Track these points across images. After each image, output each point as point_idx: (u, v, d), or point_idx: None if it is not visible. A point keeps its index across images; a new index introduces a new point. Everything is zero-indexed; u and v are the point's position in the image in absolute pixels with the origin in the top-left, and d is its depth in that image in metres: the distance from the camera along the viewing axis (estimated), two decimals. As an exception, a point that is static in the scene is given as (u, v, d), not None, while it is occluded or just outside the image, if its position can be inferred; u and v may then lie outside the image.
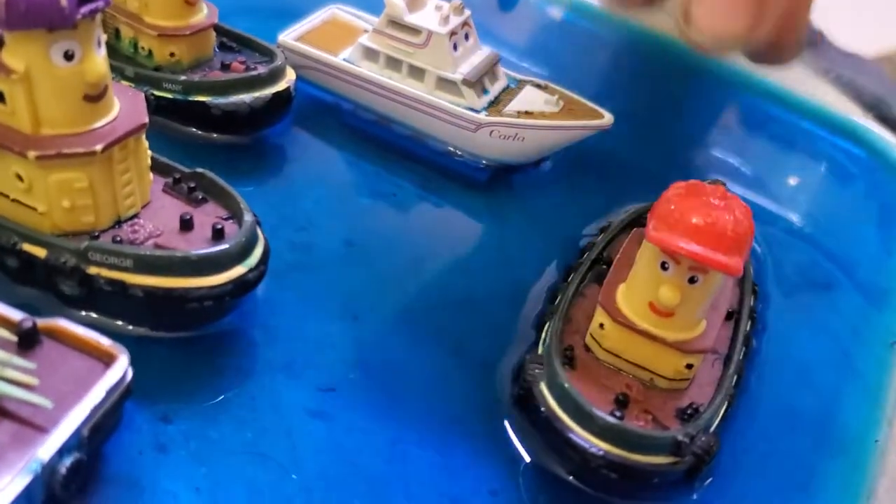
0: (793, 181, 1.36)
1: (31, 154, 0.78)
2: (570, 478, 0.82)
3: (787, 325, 1.07)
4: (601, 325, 0.86)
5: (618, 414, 0.79)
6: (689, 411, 0.82)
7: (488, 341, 0.95)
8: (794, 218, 1.26)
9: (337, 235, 1.05)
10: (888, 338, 1.08)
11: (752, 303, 1.00)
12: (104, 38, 0.80)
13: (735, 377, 0.89)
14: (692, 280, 0.78)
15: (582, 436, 0.78)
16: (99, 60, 0.78)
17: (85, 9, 0.74)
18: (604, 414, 0.78)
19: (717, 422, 0.84)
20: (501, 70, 1.20)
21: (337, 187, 1.13)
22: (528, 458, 0.84)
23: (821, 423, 0.96)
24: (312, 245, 1.02)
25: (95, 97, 0.80)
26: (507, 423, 0.87)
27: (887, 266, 1.21)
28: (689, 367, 0.83)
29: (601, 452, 0.77)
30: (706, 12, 0.70)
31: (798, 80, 1.52)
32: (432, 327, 0.97)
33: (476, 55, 1.17)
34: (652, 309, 0.81)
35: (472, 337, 0.96)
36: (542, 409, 0.80)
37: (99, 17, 0.78)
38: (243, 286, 0.84)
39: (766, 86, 1.51)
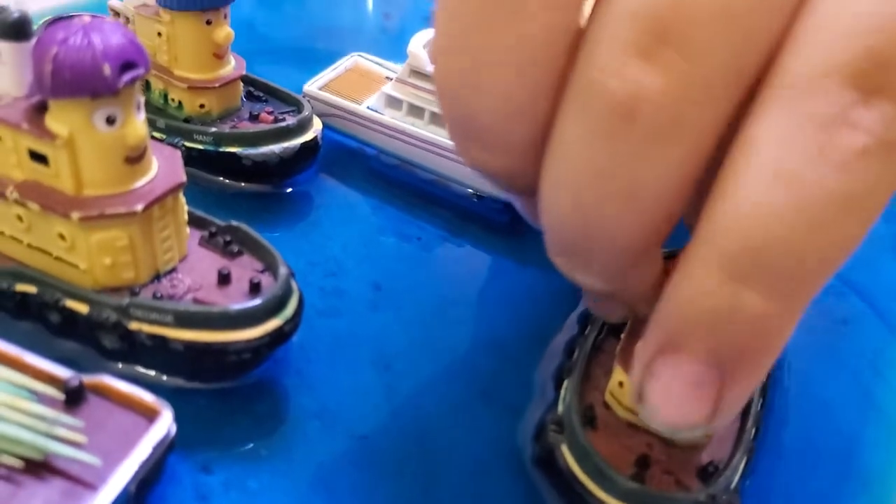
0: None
1: (75, 215, 0.81)
2: None
3: (806, 363, 1.08)
4: (620, 384, 0.86)
5: (639, 476, 0.80)
6: (710, 469, 0.83)
7: (515, 385, 0.97)
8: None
9: (365, 280, 1.07)
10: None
11: None
12: (143, 101, 0.83)
13: (754, 430, 0.90)
14: None
15: (604, 499, 0.79)
16: (139, 124, 0.81)
17: (127, 76, 0.77)
18: (625, 478, 0.79)
19: (737, 478, 0.84)
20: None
21: (363, 232, 1.16)
22: None
23: (842, 461, 0.97)
24: (342, 290, 1.05)
25: (135, 159, 0.83)
26: (529, 484, 0.87)
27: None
28: None
29: None
30: (660, 397, 0.59)
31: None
32: (460, 371, 0.98)
33: (495, 101, 1.19)
34: None
35: (500, 380, 0.98)
36: (564, 471, 0.82)
37: (139, 82, 0.81)
38: (279, 338, 0.86)
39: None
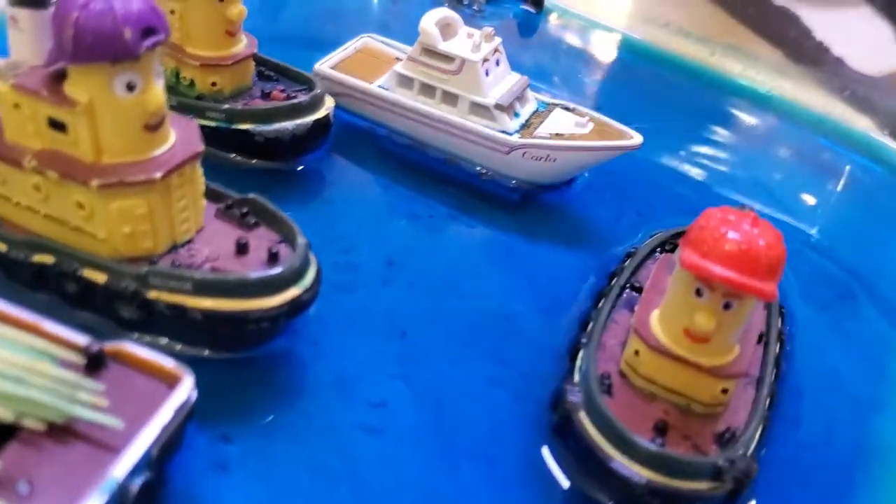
0: (813, 198, 1.39)
1: (94, 182, 0.80)
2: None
3: (817, 338, 1.09)
4: (636, 352, 0.87)
5: (659, 441, 0.81)
6: (727, 436, 0.83)
7: (527, 354, 0.98)
8: (816, 233, 1.29)
9: (378, 256, 1.07)
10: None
11: (779, 325, 1.02)
12: (161, 69, 0.83)
13: (768, 399, 0.91)
14: (727, 306, 0.80)
15: (625, 464, 0.79)
16: (159, 91, 0.81)
17: (148, 41, 0.77)
18: (646, 442, 0.79)
19: (754, 445, 0.85)
20: (531, 94, 1.23)
21: (375, 210, 1.16)
22: (566, 484, 0.85)
23: (858, 433, 0.98)
24: (356, 265, 1.05)
25: (155, 126, 0.83)
26: (546, 450, 0.88)
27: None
28: (725, 391, 0.85)
29: (644, 480, 0.78)
30: None
31: (814, 100, 1.56)
32: (474, 341, 0.99)
33: (506, 80, 1.20)
34: (687, 335, 0.83)
35: (514, 351, 0.98)
36: (583, 437, 0.82)
37: (159, 49, 0.81)
38: (298, 307, 0.86)
39: (785, 104, 1.55)
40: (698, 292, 0.80)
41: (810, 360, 1.05)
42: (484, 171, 1.22)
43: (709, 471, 0.79)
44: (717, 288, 0.79)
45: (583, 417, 0.83)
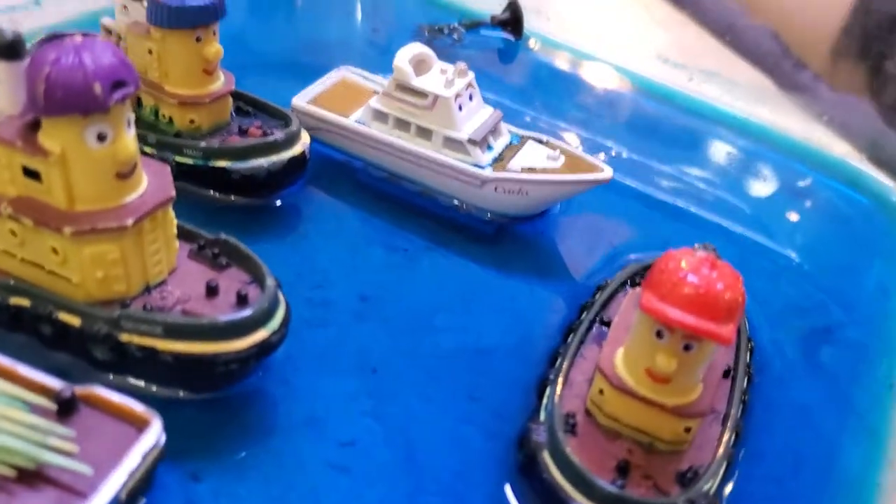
0: (790, 224, 1.41)
1: (67, 230, 0.82)
2: None
3: (787, 369, 1.10)
4: (601, 391, 0.89)
5: (619, 483, 0.82)
6: (688, 475, 0.85)
7: (500, 390, 0.99)
8: (792, 260, 1.31)
9: (352, 291, 1.09)
10: (888, 380, 1.11)
11: (747, 359, 1.04)
12: (133, 117, 0.85)
13: (733, 436, 0.92)
14: (687, 347, 0.81)
15: None
16: (129, 141, 0.83)
17: (117, 94, 0.79)
18: (605, 483, 0.81)
19: (716, 483, 0.86)
20: (504, 127, 1.25)
21: (350, 243, 1.18)
22: None
23: (823, 466, 0.99)
24: (328, 301, 1.07)
25: (126, 174, 0.85)
26: (510, 489, 0.90)
27: (885, 308, 1.25)
28: (688, 430, 0.86)
29: None
30: None
31: (793, 125, 1.57)
32: (446, 377, 1.01)
33: (480, 114, 1.22)
34: (649, 375, 0.84)
35: (485, 387, 1.00)
36: (545, 477, 0.83)
37: (129, 100, 0.83)
38: (267, 348, 0.88)
39: (762, 130, 1.56)
40: (659, 334, 0.82)
41: (780, 393, 1.06)
42: (460, 204, 1.24)
43: None
44: (677, 330, 0.81)
45: (546, 458, 0.85)
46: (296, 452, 0.90)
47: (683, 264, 0.82)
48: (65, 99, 0.77)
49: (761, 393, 1.05)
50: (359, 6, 1.79)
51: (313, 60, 1.39)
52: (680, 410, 0.85)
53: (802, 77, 1.60)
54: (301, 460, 0.89)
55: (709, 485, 0.84)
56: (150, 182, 0.89)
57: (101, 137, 0.81)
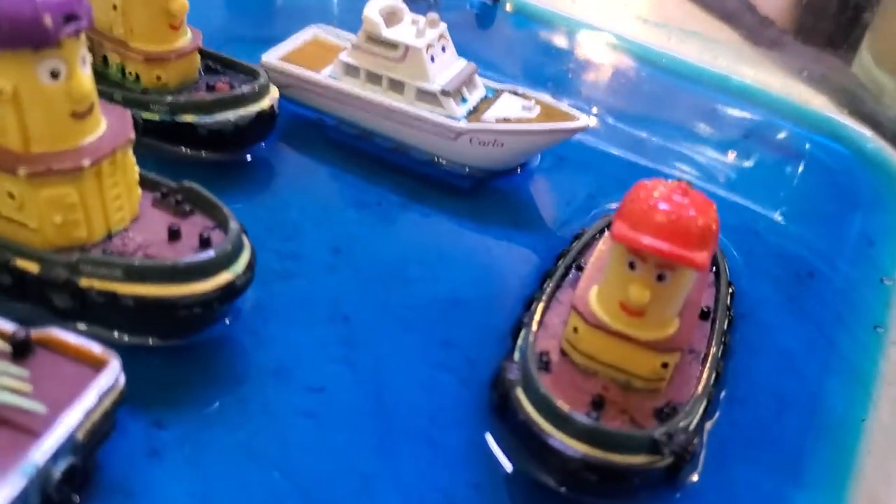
0: (772, 176, 1.39)
1: (22, 171, 0.80)
2: (553, 483, 0.83)
3: (771, 315, 1.09)
4: (575, 329, 0.87)
5: (594, 415, 0.80)
6: (666, 410, 0.83)
7: (474, 338, 0.97)
8: (776, 213, 1.29)
9: (323, 244, 1.07)
10: (872, 322, 1.10)
11: (727, 301, 1.02)
12: (89, 57, 0.83)
13: (713, 375, 0.90)
14: (660, 277, 0.79)
15: (559, 439, 0.78)
16: (85, 78, 0.81)
17: (69, 27, 0.77)
18: (581, 416, 0.78)
19: (696, 420, 0.84)
20: (479, 80, 1.23)
21: (322, 199, 1.16)
22: (509, 467, 0.85)
23: (807, 407, 0.98)
24: (299, 254, 1.05)
25: (82, 114, 0.82)
26: (489, 434, 0.88)
27: (869, 255, 1.23)
28: (665, 366, 0.84)
29: (579, 454, 0.77)
30: None
31: (772, 81, 1.56)
32: (420, 326, 0.99)
33: (453, 66, 1.20)
34: (623, 309, 0.82)
35: (459, 334, 0.98)
36: (520, 414, 0.81)
37: (83, 36, 0.81)
38: (231, 292, 0.86)
39: (742, 87, 1.55)
40: (631, 265, 0.80)
41: (763, 337, 1.05)
42: (436, 158, 1.21)
43: (646, 444, 0.78)
44: (649, 259, 0.78)
45: (520, 394, 0.83)
46: (263, 400, 0.88)
47: (655, 193, 0.80)
48: (12, 31, 0.75)
49: (745, 338, 1.03)
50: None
51: (289, 26, 1.36)
52: (655, 345, 0.83)
53: (770, 33, 1.58)
54: (268, 407, 0.87)
55: (687, 421, 0.82)
56: (110, 125, 0.87)
57: (54, 74, 0.79)
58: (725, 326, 0.98)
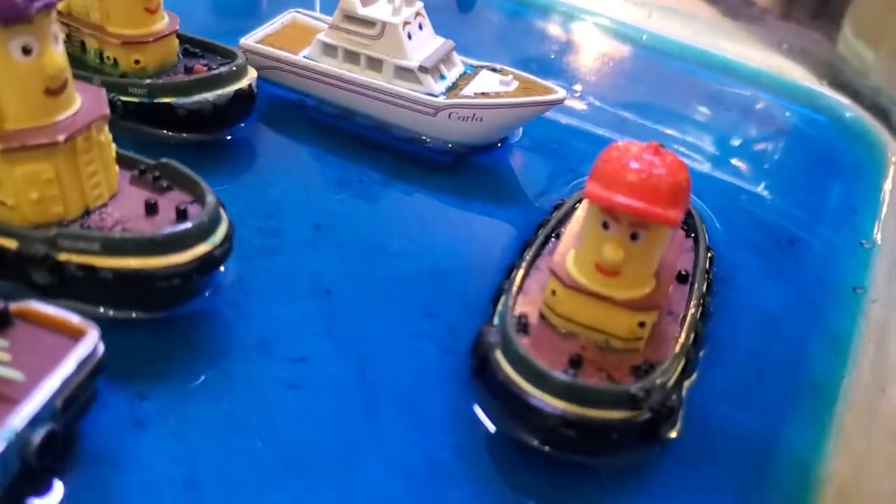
0: (755, 149, 1.39)
1: (-3, 148, 0.81)
2: (535, 443, 0.83)
3: (753, 280, 1.10)
4: (553, 292, 0.87)
5: (571, 373, 0.81)
6: (643, 368, 0.84)
7: (456, 308, 0.98)
8: (759, 183, 1.30)
9: (305, 221, 1.08)
10: (851, 284, 1.10)
11: (706, 265, 1.03)
12: (61, 35, 0.84)
13: (692, 335, 0.91)
14: (634, 236, 0.80)
15: (538, 397, 0.79)
16: (57, 54, 0.82)
17: (39, 3, 0.78)
18: (558, 373, 0.79)
19: (673, 378, 0.85)
20: (457, 57, 1.24)
21: (304, 178, 1.16)
22: (492, 428, 0.85)
23: (788, 366, 0.98)
24: (281, 230, 1.05)
25: (56, 91, 0.83)
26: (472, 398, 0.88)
27: (851, 221, 1.24)
28: (642, 325, 0.85)
29: (558, 411, 0.78)
30: None
31: (753, 54, 1.56)
32: (402, 297, 0.99)
33: (431, 44, 1.21)
34: (599, 270, 0.83)
35: (441, 304, 0.99)
36: (499, 375, 0.82)
37: (54, 13, 0.82)
38: (209, 263, 0.87)
39: (721, 60, 1.55)
40: (605, 226, 0.81)
41: (744, 300, 1.05)
42: (416, 135, 1.22)
43: (623, 400, 0.79)
44: (622, 218, 0.79)
45: (499, 356, 0.83)
46: (246, 372, 0.88)
47: (626, 153, 0.80)
48: (-18, 7, 0.76)
49: (725, 301, 1.04)
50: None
51: (268, 10, 1.37)
52: (631, 304, 0.83)
53: (752, 11, 1.59)
54: (251, 379, 0.87)
55: (664, 378, 0.82)
56: (84, 102, 0.87)
57: (26, 50, 0.80)
58: (704, 289, 0.99)
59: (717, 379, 0.94)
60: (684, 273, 0.97)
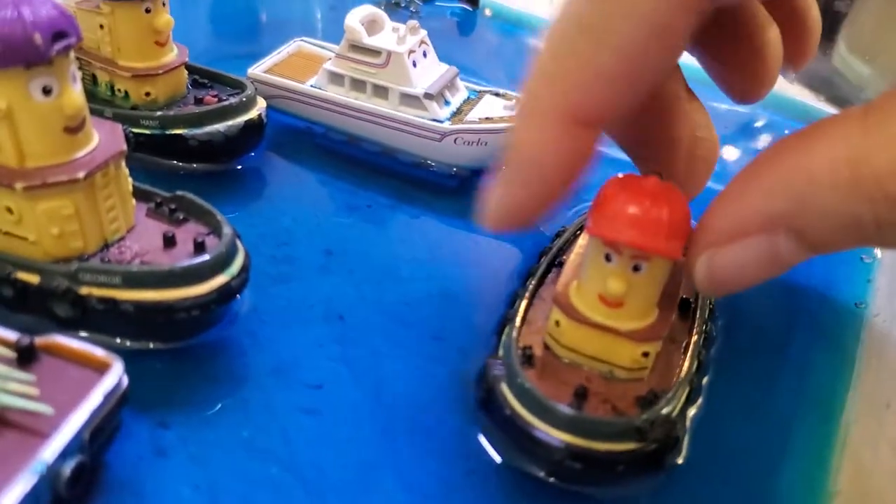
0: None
1: (19, 186, 0.83)
2: (541, 474, 0.84)
3: (754, 299, 1.11)
4: (557, 323, 0.89)
5: (576, 405, 0.82)
6: (648, 398, 0.85)
7: (465, 331, 1.00)
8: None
9: (316, 247, 1.10)
10: (854, 300, 1.12)
11: None
12: (79, 73, 0.86)
13: (696, 362, 0.92)
14: (636, 268, 0.82)
15: (543, 430, 0.80)
16: (76, 94, 0.84)
17: (59, 45, 0.80)
18: (563, 406, 0.80)
19: (678, 406, 0.86)
20: (461, 83, 1.27)
21: (313, 205, 1.19)
22: (498, 459, 0.87)
23: (793, 384, 1.00)
24: (293, 258, 1.07)
25: (75, 129, 0.85)
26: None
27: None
28: (646, 355, 0.86)
29: (564, 444, 0.79)
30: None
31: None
32: (412, 320, 1.01)
33: (435, 70, 1.23)
34: (602, 301, 0.84)
35: (450, 328, 1.01)
36: (505, 409, 0.83)
37: (72, 53, 0.84)
38: (227, 294, 0.89)
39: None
40: (608, 258, 0.82)
41: (748, 323, 1.07)
42: (422, 160, 1.24)
43: (628, 431, 0.80)
44: (624, 251, 0.81)
45: (504, 389, 0.84)
46: (264, 398, 0.90)
47: (627, 186, 0.82)
48: (5, 50, 0.78)
49: (728, 322, 1.05)
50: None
51: (271, 38, 1.40)
52: (635, 335, 0.85)
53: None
54: (269, 405, 0.89)
55: (669, 408, 0.84)
56: (102, 138, 0.90)
57: (46, 91, 0.82)
58: (707, 315, 1.01)
59: (722, 400, 0.95)
60: (686, 299, 0.99)
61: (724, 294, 0.79)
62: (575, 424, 0.80)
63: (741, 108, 1.52)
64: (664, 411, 0.82)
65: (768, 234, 0.66)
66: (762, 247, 0.68)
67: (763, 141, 1.47)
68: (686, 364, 0.90)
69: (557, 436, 0.80)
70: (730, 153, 1.42)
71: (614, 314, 0.85)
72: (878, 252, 1.20)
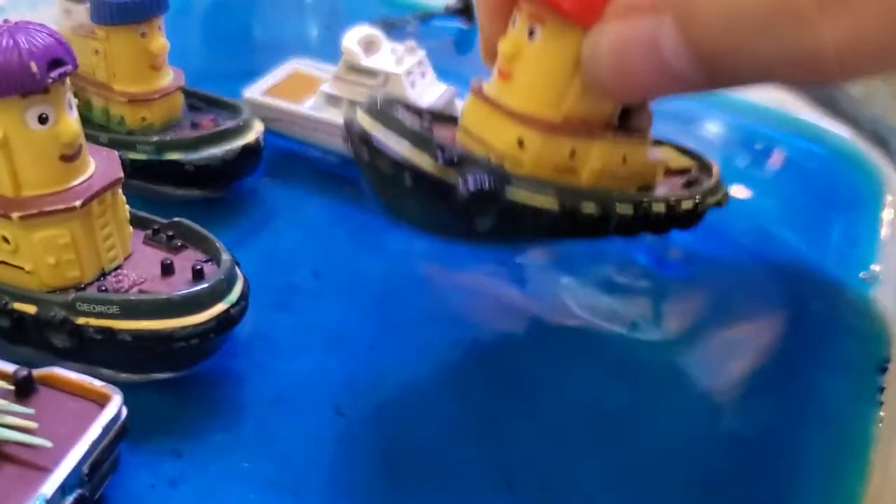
0: (755, 183, 1.41)
1: (15, 215, 0.82)
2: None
3: (755, 312, 1.11)
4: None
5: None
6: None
7: (473, 352, 1.00)
8: (761, 217, 1.31)
9: (317, 272, 1.09)
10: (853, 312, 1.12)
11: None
12: (74, 101, 0.85)
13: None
14: (531, 33, 0.78)
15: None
16: (72, 122, 0.83)
17: (55, 73, 0.79)
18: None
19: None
20: (459, 104, 1.26)
21: (312, 228, 1.18)
22: None
23: (803, 403, 0.99)
24: (294, 284, 1.07)
25: (71, 157, 0.84)
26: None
27: (852, 256, 1.25)
28: (521, 143, 0.81)
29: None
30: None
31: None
32: (414, 339, 1.01)
33: (433, 91, 1.23)
34: (499, 75, 0.81)
35: (455, 348, 1.01)
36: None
37: (68, 81, 0.83)
38: (226, 322, 0.87)
39: (717, 95, 1.57)
40: (514, 22, 0.80)
41: (749, 337, 1.07)
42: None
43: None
44: (524, 7, 0.78)
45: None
46: (267, 427, 0.89)
47: None
48: (1, 81, 0.77)
49: (730, 337, 1.06)
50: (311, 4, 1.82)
51: (266, 58, 1.39)
52: (514, 115, 0.80)
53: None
54: (272, 434, 0.88)
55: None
56: (98, 166, 0.88)
57: (42, 119, 0.81)
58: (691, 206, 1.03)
59: (733, 425, 0.95)
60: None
61: (609, 89, 0.74)
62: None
63: (738, 122, 1.52)
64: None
65: (655, 14, 0.65)
66: (645, 26, 0.67)
67: (762, 155, 1.46)
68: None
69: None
70: (729, 169, 1.41)
71: (505, 88, 0.81)
72: (876, 268, 1.20)
